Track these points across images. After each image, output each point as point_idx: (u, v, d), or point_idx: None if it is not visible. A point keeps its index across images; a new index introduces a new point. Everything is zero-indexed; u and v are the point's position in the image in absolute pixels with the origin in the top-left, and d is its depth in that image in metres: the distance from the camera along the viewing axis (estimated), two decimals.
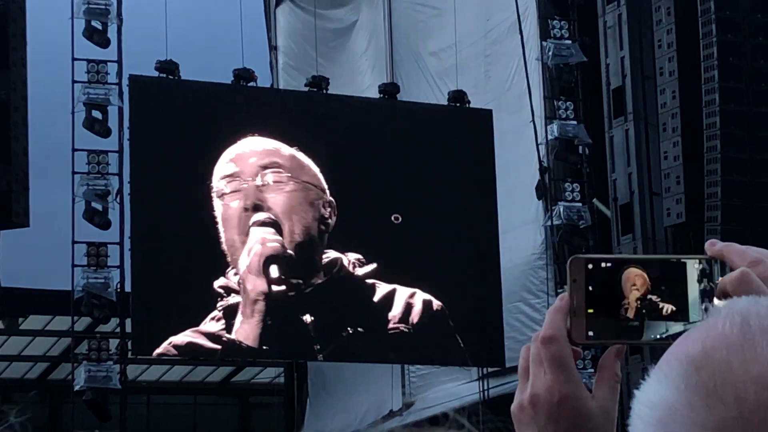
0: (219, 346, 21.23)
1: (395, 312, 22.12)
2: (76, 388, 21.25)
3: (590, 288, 1.61)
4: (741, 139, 21.35)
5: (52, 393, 29.13)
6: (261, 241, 21.57)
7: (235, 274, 21.42)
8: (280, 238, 21.65)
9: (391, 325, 22.07)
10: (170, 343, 20.96)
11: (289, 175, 22.13)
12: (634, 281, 1.61)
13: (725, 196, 21.02)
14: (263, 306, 21.31)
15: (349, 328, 21.82)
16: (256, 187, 21.82)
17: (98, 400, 21.08)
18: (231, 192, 21.70)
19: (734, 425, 1.21)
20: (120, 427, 21.73)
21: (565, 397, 1.59)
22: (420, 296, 22.31)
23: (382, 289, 22.20)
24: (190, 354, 22.12)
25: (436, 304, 22.33)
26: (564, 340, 1.61)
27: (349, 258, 22.16)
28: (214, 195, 21.63)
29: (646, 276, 1.61)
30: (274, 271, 21.38)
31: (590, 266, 1.62)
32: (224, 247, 21.47)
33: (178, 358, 24.70)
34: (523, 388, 1.64)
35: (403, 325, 22.12)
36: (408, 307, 22.19)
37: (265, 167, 22.03)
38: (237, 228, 21.53)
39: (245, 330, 21.29)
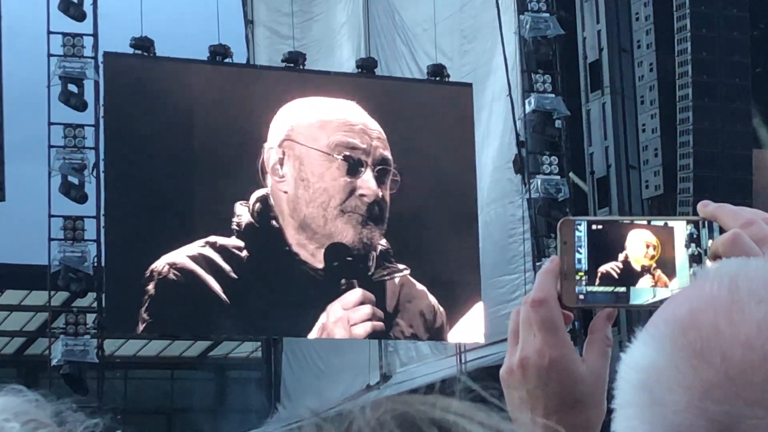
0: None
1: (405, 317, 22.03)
2: (53, 362, 21.21)
3: (581, 250, 1.62)
4: (713, 111, 21.38)
5: (29, 368, 29.05)
6: (372, 314, 21.20)
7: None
8: (381, 312, 21.26)
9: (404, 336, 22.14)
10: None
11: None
12: (638, 246, 1.61)
13: (697, 167, 21.07)
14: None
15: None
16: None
17: (75, 375, 21.04)
18: (351, 164, 21.46)
19: (720, 387, 1.22)
20: (97, 402, 21.69)
21: (554, 360, 1.60)
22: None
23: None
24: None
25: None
26: (554, 303, 1.61)
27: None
28: (327, 155, 21.37)
29: (651, 243, 1.61)
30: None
31: (581, 228, 1.63)
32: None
33: (154, 335, 24.68)
34: (512, 351, 1.64)
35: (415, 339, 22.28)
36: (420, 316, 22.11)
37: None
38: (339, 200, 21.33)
39: None
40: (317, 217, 21.31)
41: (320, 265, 21.26)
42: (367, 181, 21.53)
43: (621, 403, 1.30)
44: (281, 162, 21.37)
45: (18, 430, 1.25)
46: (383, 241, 21.83)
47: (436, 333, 22.22)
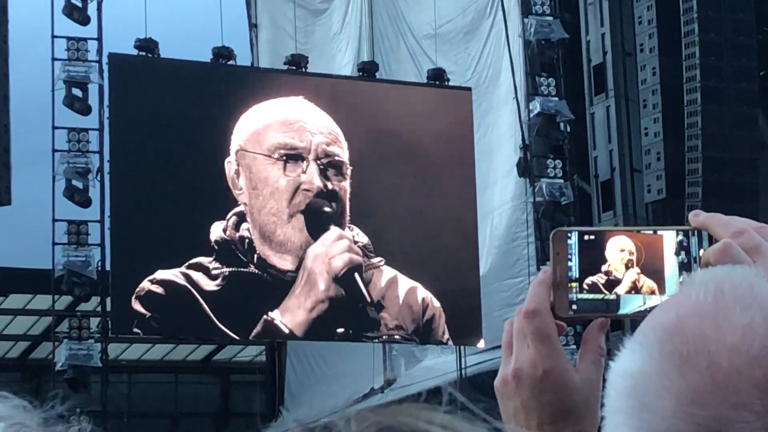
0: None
1: (393, 312, 22.07)
2: (58, 366, 21.20)
3: (573, 260, 1.63)
4: (721, 116, 21.39)
5: (33, 372, 29.07)
6: (348, 248, 21.44)
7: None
8: (358, 249, 21.55)
9: (388, 329, 22.10)
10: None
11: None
12: (616, 254, 1.63)
13: (706, 172, 21.07)
14: (325, 305, 21.35)
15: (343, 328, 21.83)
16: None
17: (79, 379, 21.05)
18: (292, 162, 21.45)
19: (707, 392, 1.22)
20: (101, 406, 21.70)
21: (548, 370, 1.60)
22: (420, 293, 22.16)
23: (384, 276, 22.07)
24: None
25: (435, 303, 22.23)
26: (547, 314, 1.61)
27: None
28: (268, 157, 21.35)
29: (626, 249, 1.62)
30: (353, 280, 21.38)
31: (573, 239, 1.63)
32: (247, 204, 21.28)
33: (159, 337, 24.71)
34: (506, 362, 1.64)
35: (401, 332, 22.20)
36: (408, 308, 22.13)
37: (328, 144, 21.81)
38: (287, 200, 21.34)
39: (293, 317, 21.33)
40: (269, 224, 21.47)
41: (290, 266, 21.44)
42: (310, 175, 21.58)
43: (610, 410, 1.31)
44: (237, 173, 21.46)
45: (3, 429, 1.27)
46: (365, 239, 21.93)
47: (425, 326, 22.21)
